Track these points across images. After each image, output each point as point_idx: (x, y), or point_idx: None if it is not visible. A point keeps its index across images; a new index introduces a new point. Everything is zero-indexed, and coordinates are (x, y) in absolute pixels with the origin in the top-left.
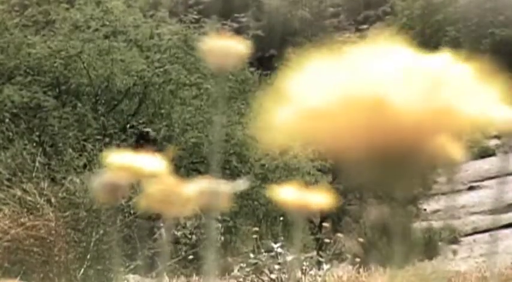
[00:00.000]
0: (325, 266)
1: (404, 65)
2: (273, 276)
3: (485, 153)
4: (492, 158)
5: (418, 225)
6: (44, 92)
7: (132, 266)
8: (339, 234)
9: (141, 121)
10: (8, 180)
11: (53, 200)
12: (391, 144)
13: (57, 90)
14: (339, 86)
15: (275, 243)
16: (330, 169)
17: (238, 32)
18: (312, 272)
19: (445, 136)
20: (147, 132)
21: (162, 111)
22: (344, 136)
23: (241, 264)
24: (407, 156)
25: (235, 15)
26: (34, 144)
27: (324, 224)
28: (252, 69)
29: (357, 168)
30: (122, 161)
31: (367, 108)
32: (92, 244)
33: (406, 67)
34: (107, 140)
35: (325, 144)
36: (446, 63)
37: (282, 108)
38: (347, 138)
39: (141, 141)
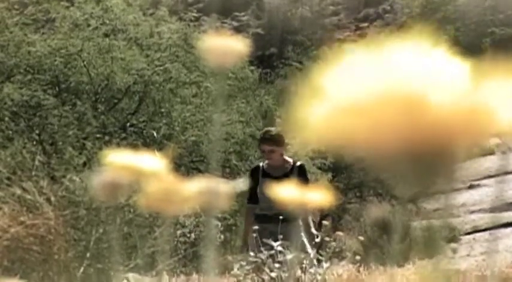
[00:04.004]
0: (325, 264)
1: (440, 63)
2: (273, 274)
3: (485, 152)
4: (492, 157)
5: (418, 223)
6: (44, 91)
7: (131, 265)
8: (339, 233)
9: (141, 120)
10: (8, 178)
11: (52, 198)
12: (426, 141)
13: (57, 88)
14: (375, 82)
15: (275, 241)
16: (329, 167)
17: (238, 30)
18: (312, 270)
19: (478, 135)
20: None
21: (162, 109)
22: (379, 132)
23: (241, 263)
24: (441, 153)
25: (235, 13)
26: (34, 142)
27: (324, 222)
28: (252, 67)
29: (389, 164)
30: (121, 160)
31: (404, 105)
32: (91, 243)
33: (442, 65)
34: (107, 138)
35: (360, 140)
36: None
37: (317, 104)
38: (382, 135)
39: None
